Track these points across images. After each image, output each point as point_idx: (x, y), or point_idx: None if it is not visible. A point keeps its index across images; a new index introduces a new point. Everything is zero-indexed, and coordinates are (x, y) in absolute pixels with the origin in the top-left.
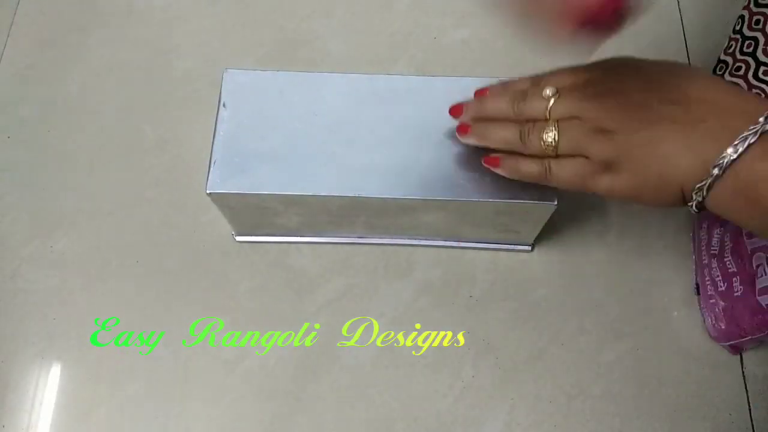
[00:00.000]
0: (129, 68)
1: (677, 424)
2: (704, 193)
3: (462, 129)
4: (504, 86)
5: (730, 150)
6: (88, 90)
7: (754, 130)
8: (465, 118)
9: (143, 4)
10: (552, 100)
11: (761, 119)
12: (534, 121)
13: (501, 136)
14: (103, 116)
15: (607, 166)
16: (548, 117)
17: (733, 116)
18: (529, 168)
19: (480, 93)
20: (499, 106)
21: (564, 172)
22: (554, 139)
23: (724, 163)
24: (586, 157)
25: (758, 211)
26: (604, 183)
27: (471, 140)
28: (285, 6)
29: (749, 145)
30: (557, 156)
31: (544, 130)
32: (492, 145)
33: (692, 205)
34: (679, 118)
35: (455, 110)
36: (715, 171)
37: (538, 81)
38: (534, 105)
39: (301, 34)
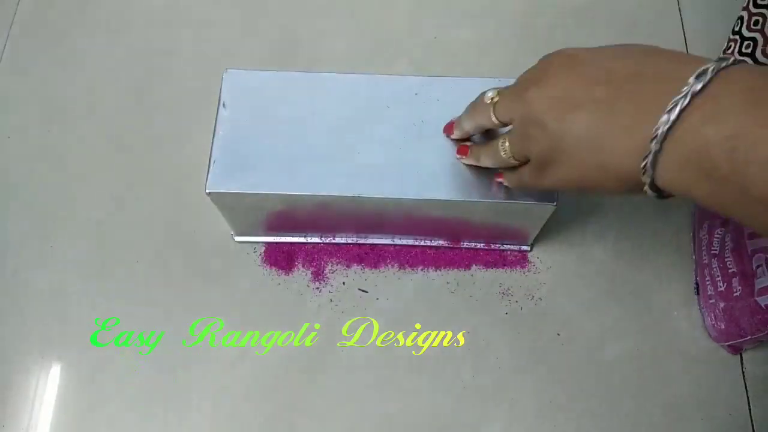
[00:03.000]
0: (129, 68)
1: (677, 424)
2: (651, 172)
3: (460, 151)
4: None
5: (663, 118)
6: (88, 90)
7: (685, 92)
8: (454, 136)
9: (143, 4)
10: (493, 104)
11: (691, 79)
12: (486, 129)
13: (489, 159)
14: (103, 116)
15: (546, 162)
16: (495, 120)
17: (665, 82)
18: (508, 181)
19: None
20: (470, 121)
21: (513, 179)
22: (508, 150)
23: (660, 133)
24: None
25: (714, 181)
26: (547, 180)
27: (470, 162)
28: (285, 6)
29: (682, 110)
30: (523, 163)
31: (501, 145)
32: (486, 165)
33: (647, 190)
34: (605, 98)
35: (448, 129)
36: (653, 145)
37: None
38: (480, 111)
39: (301, 34)
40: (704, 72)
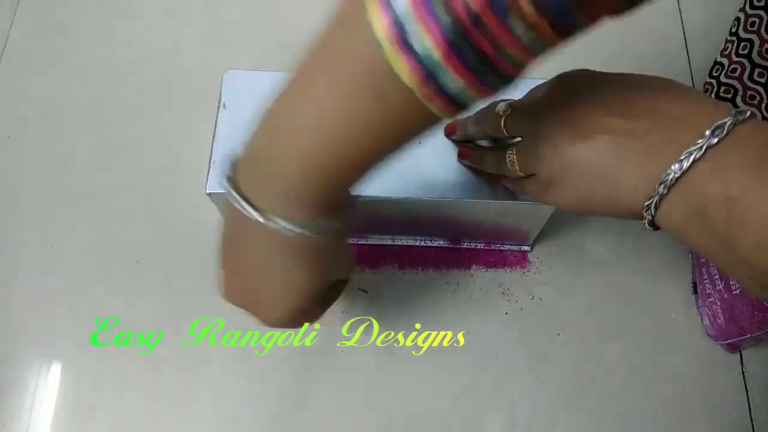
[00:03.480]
0: (129, 68)
1: (677, 424)
2: (653, 212)
3: (462, 153)
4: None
5: (675, 166)
6: (88, 90)
7: (700, 145)
8: (457, 137)
9: (143, 4)
10: (505, 116)
11: (707, 132)
12: (497, 139)
13: (493, 166)
14: (103, 116)
15: (552, 182)
16: (505, 133)
17: (682, 128)
18: (510, 186)
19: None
20: (477, 127)
21: (515, 187)
22: (515, 163)
23: (669, 180)
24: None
25: (709, 235)
26: (550, 198)
27: (472, 165)
28: (285, 6)
29: (694, 161)
30: (528, 176)
31: (508, 157)
32: (489, 171)
33: (644, 223)
34: (622, 130)
35: (449, 129)
36: (661, 189)
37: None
38: (489, 121)
39: (301, 34)
40: (721, 127)
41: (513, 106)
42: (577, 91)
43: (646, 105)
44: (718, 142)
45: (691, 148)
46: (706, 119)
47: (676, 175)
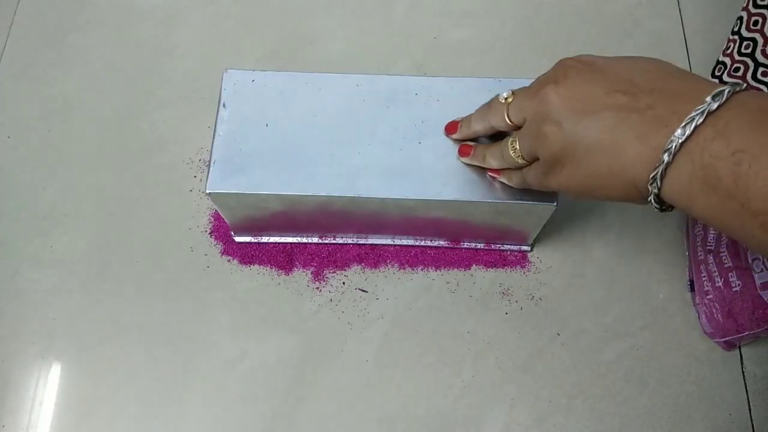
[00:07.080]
0: (129, 68)
1: (677, 424)
2: (659, 183)
3: (462, 151)
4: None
5: (678, 132)
6: (88, 90)
7: (701, 110)
8: (458, 136)
9: (143, 3)
10: (507, 103)
11: (707, 99)
12: (499, 130)
13: (495, 159)
14: (103, 116)
15: (556, 162)
16: (509, 121)
17: (683, 101)
18: (510, 180)
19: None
20: (481, 122)
21: (516, 179)
22: (517, 150)
23: (674, 147)
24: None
25: (717, 196)
26: (553, 181)
27: (474, 162)
28: (285, 6)
29: (697, 126)
30: (531, 163)
31: (510, 144)
32: (491, 166)
33: (651, 200)
34: (625, 106)
35: (450, 128)
36: (665, 156)
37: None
38: (494, 111)
39: (301, 34)
40: (720, 93)
41: (515, 92)
42: (579, 72)
43: (648, 83)
44: (718, 107)
45: (693, 114)
46: (706, 91)
47: (680, 141)
